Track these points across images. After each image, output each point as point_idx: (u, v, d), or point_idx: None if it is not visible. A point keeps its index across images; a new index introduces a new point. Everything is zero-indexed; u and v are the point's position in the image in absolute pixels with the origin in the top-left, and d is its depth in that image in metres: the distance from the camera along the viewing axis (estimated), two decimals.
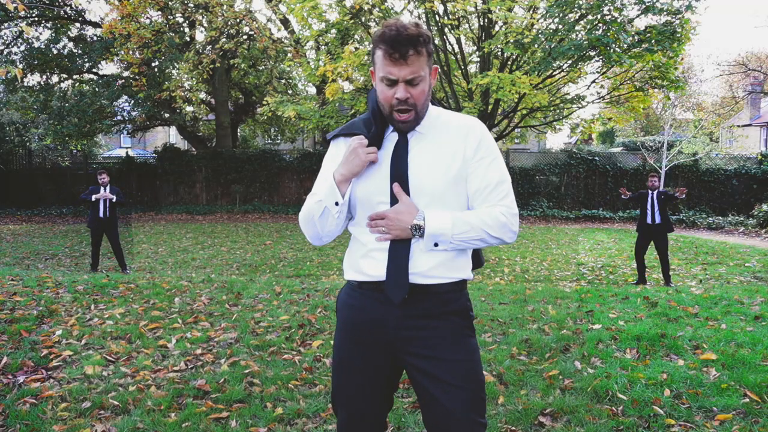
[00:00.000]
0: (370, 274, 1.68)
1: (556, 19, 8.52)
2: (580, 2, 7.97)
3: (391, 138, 1.69)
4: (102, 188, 8.26)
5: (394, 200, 1.64)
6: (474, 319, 1.75)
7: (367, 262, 1.68)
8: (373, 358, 1.70)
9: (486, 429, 1.67)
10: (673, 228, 7.79)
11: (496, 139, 10.92)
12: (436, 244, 1.60)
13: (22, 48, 18.25)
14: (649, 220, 7.65)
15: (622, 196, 7.76)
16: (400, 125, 1.64)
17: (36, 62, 17.70)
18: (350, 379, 1.73)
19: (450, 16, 9.03)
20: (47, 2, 17.87)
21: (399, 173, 1.65)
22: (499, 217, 1.63)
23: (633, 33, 8.24)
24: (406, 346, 1.66)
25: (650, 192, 7.69)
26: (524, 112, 10.14)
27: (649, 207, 7.65)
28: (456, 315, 1.68)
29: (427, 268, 1.64)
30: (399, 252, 1.63)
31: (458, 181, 1.66)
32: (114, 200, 8.26)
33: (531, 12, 8.79)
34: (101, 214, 8.26)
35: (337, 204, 1.64)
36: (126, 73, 18.24)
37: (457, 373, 1.63)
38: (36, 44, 17.99)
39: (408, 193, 1.63)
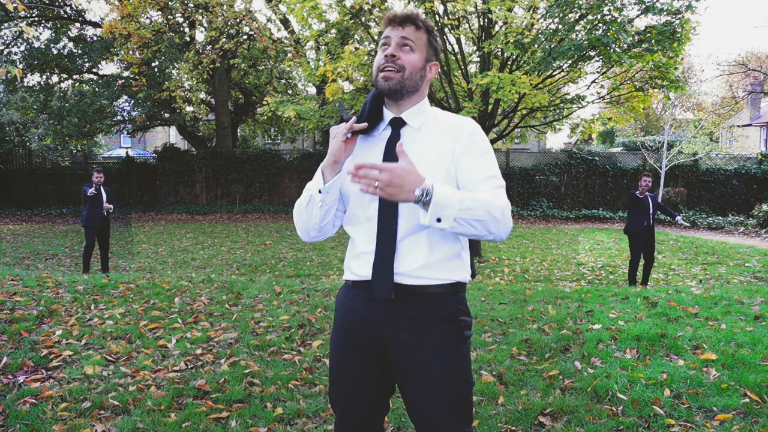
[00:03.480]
0: (359, 273, 1.68)
1: (556, 19, 8.52)
2: (580, 2, 7.96)
3: (383, 136, 1.69)
4: (94, 187, 8.13)
5: (383, 198, 1.50)
6: (467, 325, 1.67)
7: (357, 262, 1.69)
8: (366, 359, 1.69)
9: None
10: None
11: (496, 139, 10.90)
12: (438, 220, 1.44)
13: (22, 48, 18.26)
14: (646, 222, 7.65)
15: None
16: (383, 82, 1.63)
17: (36, 62, 17.71)
18: (344, 380, 1.73)
19: (450, 16, 9.02)
20: (47, 2, 17.87)
21: None
22: (502, 200, 1.54)
23: (633, 33, 8.23)
24: (391, 347, 1.64)
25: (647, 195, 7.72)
26: (524, 112, 10.13)
27: (647, 209, 7.66)
28: (444, 320, 1.62)
29: (414, 267, 1.60)
30: (385, 251, 1.62)
31: (447, 179, 1.61)
32: (111, 211, 8.28)
33: (531, 12, 8.77)
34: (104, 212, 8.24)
35: (320, 192, 1.64)
36: (126, 73, 18.24)
37: (441, 380, 1.60)
38: (36, 44, 17.99)
39: None
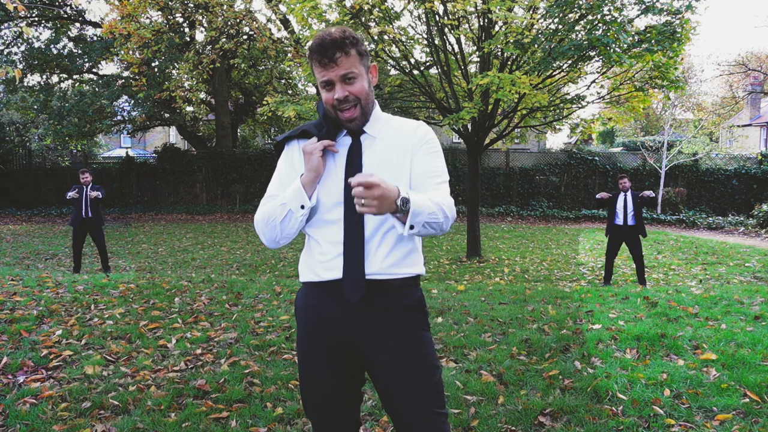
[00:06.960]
0: (325, 275, 1.71)
1: (556, 19, 8.52)
2: (580, 2, 7.95)
3: (344, 142, 1.74)
4: (84, 187, 8.06)
5: (347, 202, 1.66)
6: (428, 314, 1.80)
7: (323, 264, 1.71)
8: (336, 359, 1.73)
9: (447, 418, 1.71)
10: (645, 232, 7.76)
11: (496, 139, 10.90)
12: (411, 227, 1.54)
13: (22, 48, 18.26)
14: (620, 221, 7.66)
15: (597, 196, 7.91)
16: (348, 124, 1.70)
17: (36, 62, 17.70)
18: (316, 386, 1.76)
19: (450, 16, 9.02)
20: (47, 2, 17.87)
21: (353, 176, 1.66)
22: (448, 197, 1.68)
23: (633, 33, 8.22)
24: (363, 341, 1.70)
25: (622, 193, 7.74)
26: (524, 112, 10.12)
27: (621, 208, 7.67)
28: (411, 309, 1.73)
29: (382, 265, 1.68)
30: (355, 252, 1.67)
31: (410, 179, 1.72)
32: (100, 197, 8.00)
33: (531, 12, 8.76)
34: (84, 214, 8.05)
35: (302, 207, 1.67)
36: (126, 73, 18.23)
37: (413, 366, 1.67)
38: (36, 44, 17.98)
39: None
